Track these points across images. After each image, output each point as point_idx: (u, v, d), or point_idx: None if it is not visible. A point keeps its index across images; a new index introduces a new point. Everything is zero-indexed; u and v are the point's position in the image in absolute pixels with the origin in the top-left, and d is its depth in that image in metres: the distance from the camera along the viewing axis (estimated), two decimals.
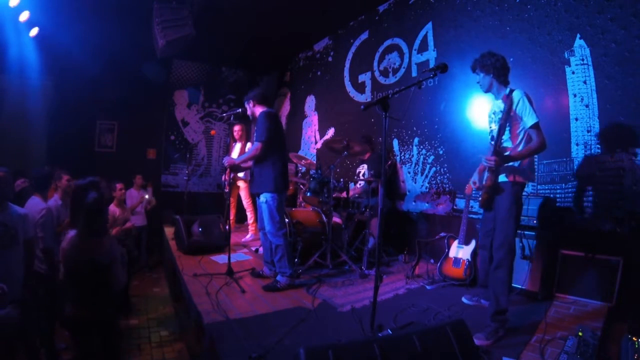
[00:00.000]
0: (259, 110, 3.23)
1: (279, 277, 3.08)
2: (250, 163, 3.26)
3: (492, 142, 2.35)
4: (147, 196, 5.87)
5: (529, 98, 2.24)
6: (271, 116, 3.13)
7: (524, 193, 2.43)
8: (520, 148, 2.28)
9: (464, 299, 2.82)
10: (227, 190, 4.36)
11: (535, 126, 2.20)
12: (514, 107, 2.23)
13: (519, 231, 2.96)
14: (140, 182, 5.95)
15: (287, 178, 3.23)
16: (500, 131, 2.25)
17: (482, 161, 2.34)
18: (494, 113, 2.44)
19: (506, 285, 2.23)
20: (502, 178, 2.32)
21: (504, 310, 2.21)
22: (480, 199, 2.43)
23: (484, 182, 2.34)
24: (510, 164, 2.28)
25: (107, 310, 2.18)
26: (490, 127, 2.47)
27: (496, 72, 2.34)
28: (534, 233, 2.94)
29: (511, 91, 2.29)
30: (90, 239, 2.13)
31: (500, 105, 2.36)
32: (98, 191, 2.28)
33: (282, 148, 3.23)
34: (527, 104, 2.21)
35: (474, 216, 3.52)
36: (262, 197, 3.11)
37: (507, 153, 2.27)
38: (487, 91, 2.43)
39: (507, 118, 2.25)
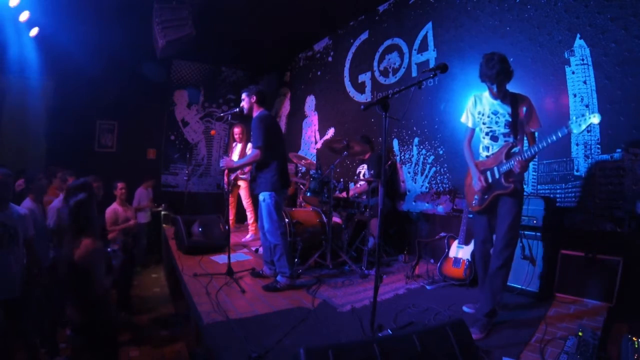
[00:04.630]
0: (255, 110, 3.25)
1: (278, 277, 3.08)
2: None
3: (495, 142, 2.37)
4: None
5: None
6: (265, 119, 3.15)
7: (525, 193, 2.45)
8: (528, 152, 2.20)
9: (464, 308, 2.63)
10: (226, 190, 4.37)
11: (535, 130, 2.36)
12: (524, 110, 2.27)
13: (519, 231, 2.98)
14: (150, 183, 6.16)
15: (286, 176, 3.24)
16: (518, 133, 2.28)
17: (511, 166, 2.23)
18: (494, 113, 2.33)
19: (505, 284, 2.37)
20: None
21: (497, 307, 2.32)
22: (480, 201, 2.41)
23: (502, 182, 2.30)
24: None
25: (94, 312, 2.13)
26: (492, 128, 2.36)
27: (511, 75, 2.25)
28: (534, 233, 2.93)
29: (516, 94, 2.32)
30: (76, 242, 2.12)
31: (505, 107, 2.30)
32: (87, 193, 2.27)
33: (280, 147, 3.24)
34: (534, 108, 2.29)
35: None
36: (261, 196, 3.15)
37: (524, 157, 2.19)
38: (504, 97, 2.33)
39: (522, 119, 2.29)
